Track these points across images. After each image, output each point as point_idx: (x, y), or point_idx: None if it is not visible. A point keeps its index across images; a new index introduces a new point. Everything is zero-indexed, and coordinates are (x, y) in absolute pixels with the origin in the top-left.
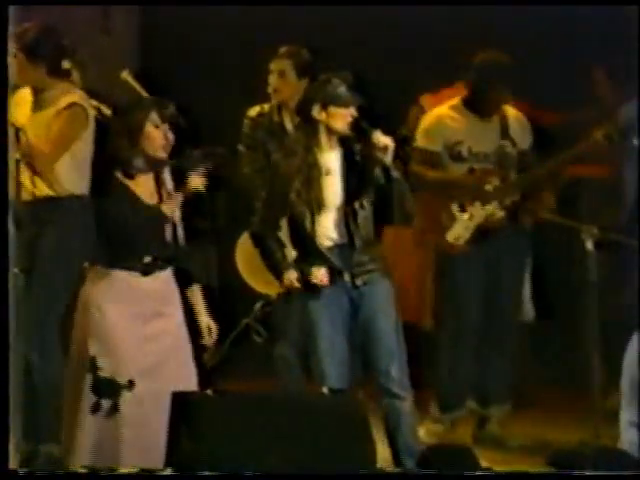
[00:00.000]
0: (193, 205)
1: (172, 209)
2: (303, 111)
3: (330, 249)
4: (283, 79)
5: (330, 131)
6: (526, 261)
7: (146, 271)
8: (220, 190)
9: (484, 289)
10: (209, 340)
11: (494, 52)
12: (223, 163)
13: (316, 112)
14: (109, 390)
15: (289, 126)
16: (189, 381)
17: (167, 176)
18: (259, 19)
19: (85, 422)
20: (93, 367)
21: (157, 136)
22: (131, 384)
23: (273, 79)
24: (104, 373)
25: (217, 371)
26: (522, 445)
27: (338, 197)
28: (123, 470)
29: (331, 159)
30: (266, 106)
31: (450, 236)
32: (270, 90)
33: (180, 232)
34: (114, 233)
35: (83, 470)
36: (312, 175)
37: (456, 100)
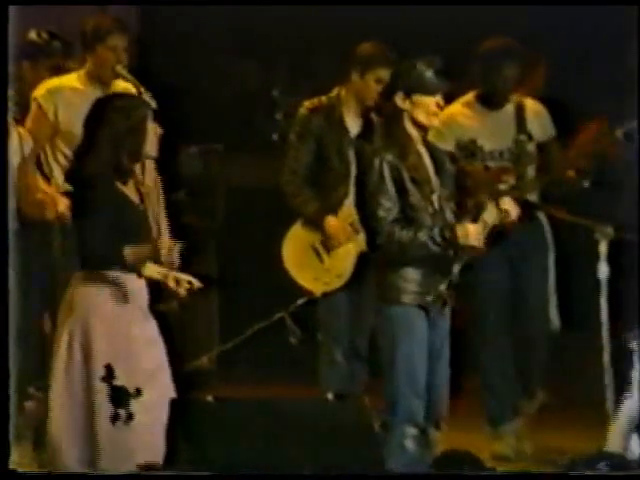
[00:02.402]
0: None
1: (156, 205)
2: (387, 99)
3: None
4: (379, 86)
5: (415, 123)
6: (548, 263)
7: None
8: (218, 188)
9: (508, 291)
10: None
11: (500, 38)
12: (220, 160)
13: (400, 101)
14: (123, 399)
15: (348, 118)
16: (170, 387)
17: (151, 171)
18: (258, 15)
19: (103, 432)
20: (109, 376)
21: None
22: (138, 392)
23: (372, 86)
24: (118, 381)
25: (216, 375)
26: (535, 454)
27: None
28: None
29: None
30: (324, 98)
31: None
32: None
33: (165, 228)
34: (107, 235)
35: None
36: (425, 174)
37: (469, 96)
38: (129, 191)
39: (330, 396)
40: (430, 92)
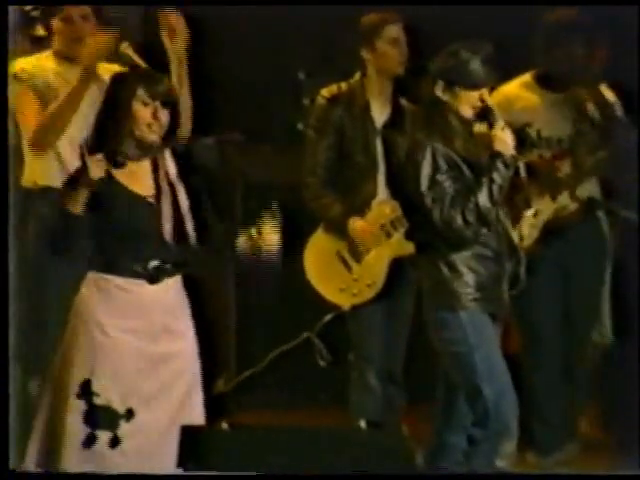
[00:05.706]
0: (201, 198)
1: (172, 202)
2: (426, 89)
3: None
4: (397, 48)
5: (457, 115)
6: (605, 268)
7: (153, 278)
8: (236, 182)
9: (560, 300)
10: None
11: (565, 9)
12: (239, 150)
13: (439, 91)
14: (105, 420)
15: (374, 107)
16: (196, 412)
17: (169, 163)
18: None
19: (72, 456)
20: (86, 392)
21: (146, 116)
22: (130, 414)
23: (390, 51)
24: (100, 400)
25: (233, 401)
26: None
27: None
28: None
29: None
30: (344, 85)
31: (513, 237)
32: (374, 62)
33: (190, 229)
34: (108, 232)
35: None
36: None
37: (527, 76)
38: (132, 180)
39: (363, 424)
40: (475, 85)
